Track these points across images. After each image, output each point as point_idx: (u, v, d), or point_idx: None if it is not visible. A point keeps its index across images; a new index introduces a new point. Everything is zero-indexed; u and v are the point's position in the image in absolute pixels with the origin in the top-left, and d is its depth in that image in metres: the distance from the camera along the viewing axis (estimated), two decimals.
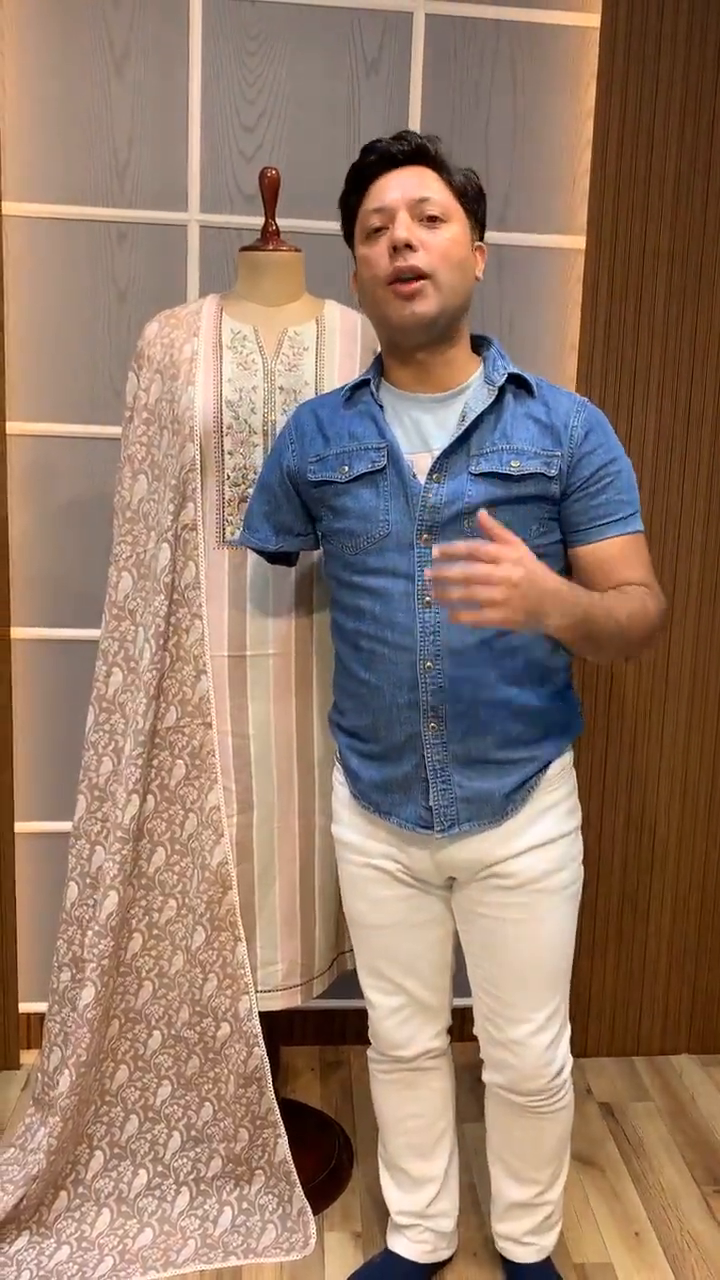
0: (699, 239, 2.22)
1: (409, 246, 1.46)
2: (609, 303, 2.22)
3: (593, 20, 2.15)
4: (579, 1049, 2.47)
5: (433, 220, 1.49)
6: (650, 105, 2.16)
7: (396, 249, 1.47)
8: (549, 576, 1.37)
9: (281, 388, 1.77)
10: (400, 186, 1.49)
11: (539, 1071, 1.65)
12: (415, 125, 2.17)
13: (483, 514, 1.35)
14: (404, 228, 1.47)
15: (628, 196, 2.19)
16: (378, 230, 1.50)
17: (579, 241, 2.23)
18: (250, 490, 1.77)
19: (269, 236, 1.82)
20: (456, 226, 1.51)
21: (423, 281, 1.47)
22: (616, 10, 2.13)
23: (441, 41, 2.15)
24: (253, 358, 1.77)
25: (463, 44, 2.16)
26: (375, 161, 1.52)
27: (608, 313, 2.22)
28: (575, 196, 2.22)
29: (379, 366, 1.60)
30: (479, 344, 1.60)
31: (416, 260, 1.47)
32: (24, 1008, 2.38)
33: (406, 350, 1.53)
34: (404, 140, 1.51)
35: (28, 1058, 2.39)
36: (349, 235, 1.58)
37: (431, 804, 1.57)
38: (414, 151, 1.51)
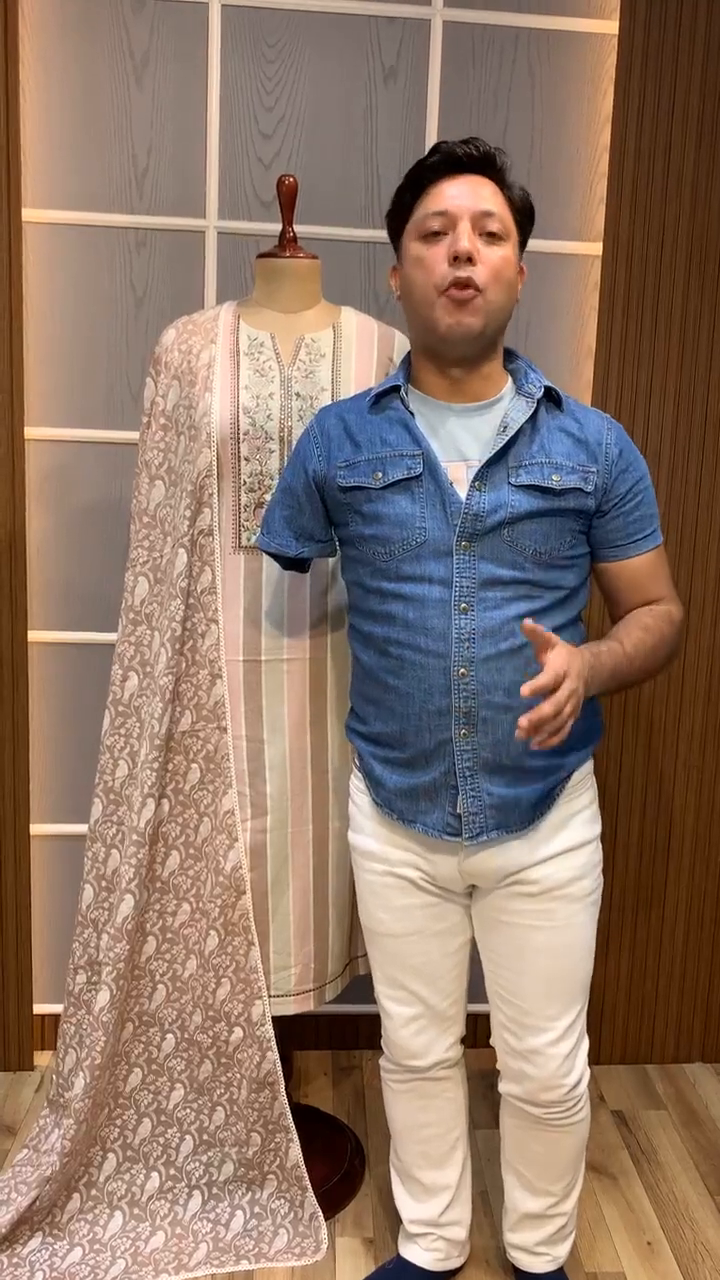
0: (715, 245, 2.21)
1: (470, 260, 1.47)
2: (625, 309, 2.22)
3: (611, 27, 2.15)
4: (591, 1056, 2.47)
5: (492, 236, 1.49)
6: (668, 112, 2.16)
7: (457, 258, 1.47)
8: (583, 660, 1.44)
9: (298, 394, 1.77)
10: (467, 194, 1.49)
11: (557, 1082, 1.65)
12: (432, 132, 2.17)
13: (527, 623, 1.39)
14: (467, 238, 1.47)
15: (644, 203, 2.19)
16: (436, 234, 1.50)
17: (595, 248, 2.23)
18: (266, 496, 1.78)
19: (286, 243, 1.82)
20: (510, 246, 1.51)
21: (476, 294, 1.48)
22: (635, 17, 2.13)
23: (459, 49, 2.16)
24: (269, 364, 1.78)
25: (480, 51, 2.16)
26: (440, 163, 1.51)
27: (624, 319, 2.22)
28: (592, 203, 2.22)
29: (406, 372, 1.60)
30: (506, 356, 1.61)
31: (475, 274, 1.47)
32: (38, 1009, 2.39)
33: (445, 361, 1.54)
34: (472, 145, 1.50)
35: (41, 1059, 2.40)
36: (396, 229, 1.57)
37: (460, 811, 1.57)
38: (481, 159, 1.50)
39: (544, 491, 1.51)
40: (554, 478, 1.52)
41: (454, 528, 1.51)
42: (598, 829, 1.66)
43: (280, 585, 1.80)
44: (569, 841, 1.60)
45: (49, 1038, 2.40)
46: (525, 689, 1.37)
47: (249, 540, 1.79)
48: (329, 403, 1.76)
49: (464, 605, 1.51)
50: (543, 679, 1.37)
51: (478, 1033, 1.79)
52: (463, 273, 1.47)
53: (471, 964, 1.73)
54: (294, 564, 1.72)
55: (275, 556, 1.70)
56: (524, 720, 1.36)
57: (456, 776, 1.56)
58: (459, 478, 1.52)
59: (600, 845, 1.66)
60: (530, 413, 1.53)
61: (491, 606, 1.51)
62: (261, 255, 1.84)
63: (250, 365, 1.78)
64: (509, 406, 1.55)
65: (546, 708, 1.35)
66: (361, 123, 2.17)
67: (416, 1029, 1.72)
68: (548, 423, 1.55)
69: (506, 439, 1.51)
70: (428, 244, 1.50)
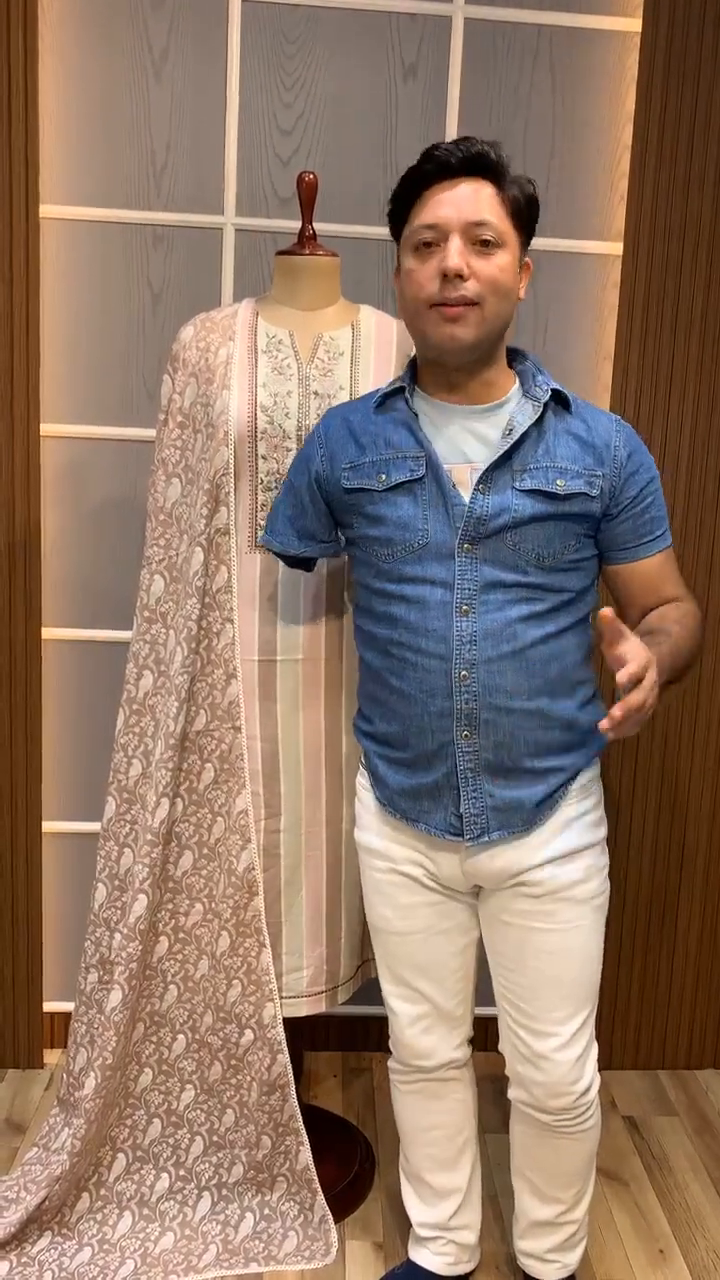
0: None
1: (460, 276, 1.45)
2: (645, 309, 2.20)
3: (634, 25, 2.13)
4: (603, 1061, 2.44)
5: (486, 245, 1.46)
6: (690, 111, 2.14)
7: (447, 277, 1.45)
8: (655, 652, 1.41)
9: (316, 393, 1.76)
10: (456, 204, 1.46)
11: (566, 1088, 1.63)
12: (452, 129, 2.16)
13: (607, 613, 1.35)
14: (457, 254, 1.45)
15: (666, 202, 2.17)
16: (428, 245, 1.48)
17: (616, 247, 2.21)
18: None
19: (306, 241, 1.81)
20: (508, 253, 1.48)
21: (469, 307, 1.46)
22: (658, 15, 2.11)
23: (480, 45, 2.14)
24: (288, 363, 1.77)
25: (502, 48, 2.15)
26: (433, 170, 1.47)
27: (643, 320, 2.20)
28: (613, 202, 2.21)
29: (412, 373, 1.59)
30: (512, 356, 1.60)
31: (466, 290, 1.45)
32: (48, 1007, 2.38)
33: (444, 367, 1.53)
34: (464, 148, 1.46)
35: (51, 1057, 2.40)
36: (395, 234, 1.55)
37: (461, 812, 1.56)
38: (473, 159, 1.46)
39: (548, 496, 1.50)
40: (558, 482, 1.50)
41: (456, 530, 1.50)
42: (603, 833, 1.65)
43: (296, 585, 1.79)
44: (573, 844, 1.59)
45: (59, 1036, 2.40)
46: (622, 675, 1.32)
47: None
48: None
49: (465, 608, 1.51)
50: (633, 666, 1.32)
51: (488, 1037, 1.78)
52: (454, 291, 1.45)
53: (479, 965, 1.72)
54: (299, 562, 1.72)
55: (279, 554, 1.70)
56: (616, 709, 1.32)
57: (458, 778, 1.55)
58: (462, 480, 1.51)
59: (606, 849, 1.65)
60: (536, 417, 1.51)
61: (493, 609, 1.51)
62: (281, 252, 1.83)
63: (268, 363, 1.77)
64: (514, 409, 1.53)
65: (636, 696, 1.32)
66: (381, 120, 2.16)
67: (423, 1028, 1.71)
68: (554, 425, 1.53)
69: (511, 443, 1.50)
70: (419, 257, 1.49)
